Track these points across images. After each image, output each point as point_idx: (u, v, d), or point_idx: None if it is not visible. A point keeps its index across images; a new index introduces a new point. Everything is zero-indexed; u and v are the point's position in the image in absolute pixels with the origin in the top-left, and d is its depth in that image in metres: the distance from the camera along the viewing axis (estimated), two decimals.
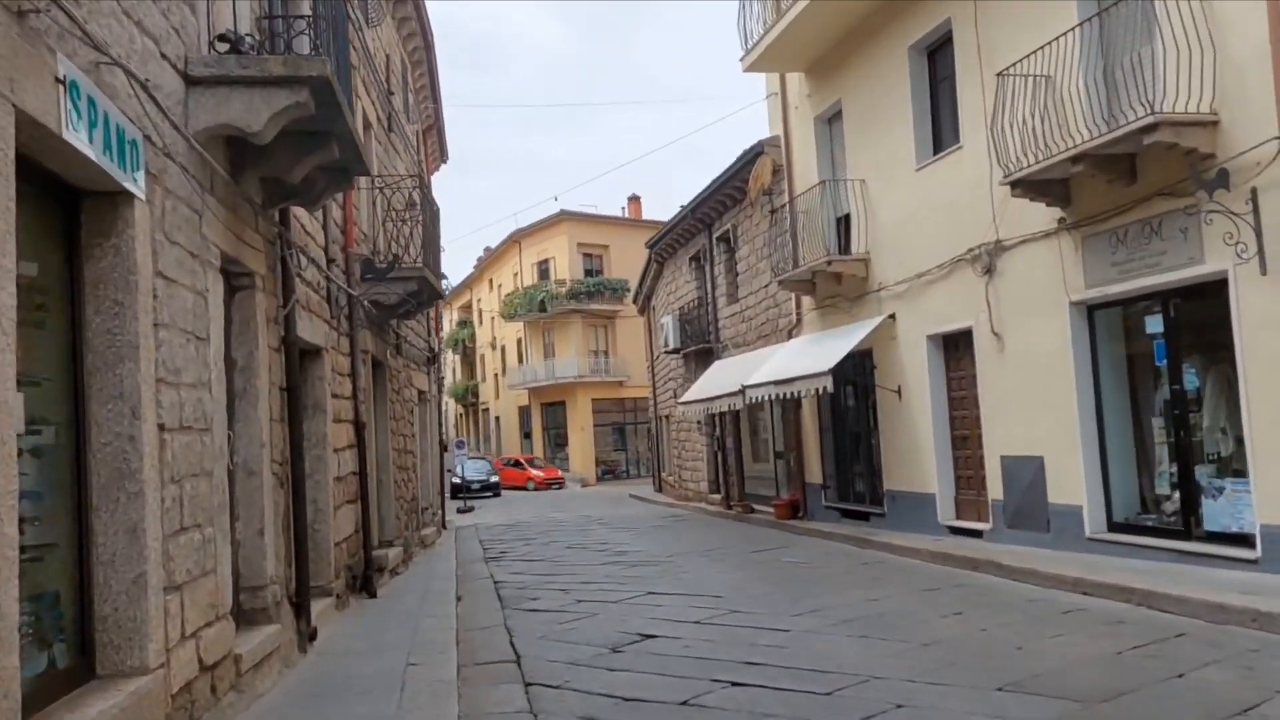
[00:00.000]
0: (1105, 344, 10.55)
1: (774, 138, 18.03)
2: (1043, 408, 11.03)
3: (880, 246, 14.48)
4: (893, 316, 14.09)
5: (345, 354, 10.46)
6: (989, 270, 11.85)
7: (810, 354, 15.49)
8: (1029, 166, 10.15)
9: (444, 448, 26.54)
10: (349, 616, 9.15)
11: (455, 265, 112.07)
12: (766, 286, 18.78)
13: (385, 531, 12.52)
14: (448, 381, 71.64)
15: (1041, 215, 10.82)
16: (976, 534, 12.30)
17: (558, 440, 50.90)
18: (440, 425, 20.61)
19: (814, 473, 17.09)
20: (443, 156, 24.09)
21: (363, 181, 12.05)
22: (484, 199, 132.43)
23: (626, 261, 48.58)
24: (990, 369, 12.00)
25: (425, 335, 17.24)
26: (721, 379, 19.62)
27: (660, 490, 32.11)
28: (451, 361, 71.38)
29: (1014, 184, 10.42)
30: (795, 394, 15.33)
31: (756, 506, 19.63)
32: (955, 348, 13.05)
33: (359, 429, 10.62)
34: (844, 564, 12.10)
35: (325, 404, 9.24)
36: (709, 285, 22.51)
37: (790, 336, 17.53)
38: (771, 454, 19.54)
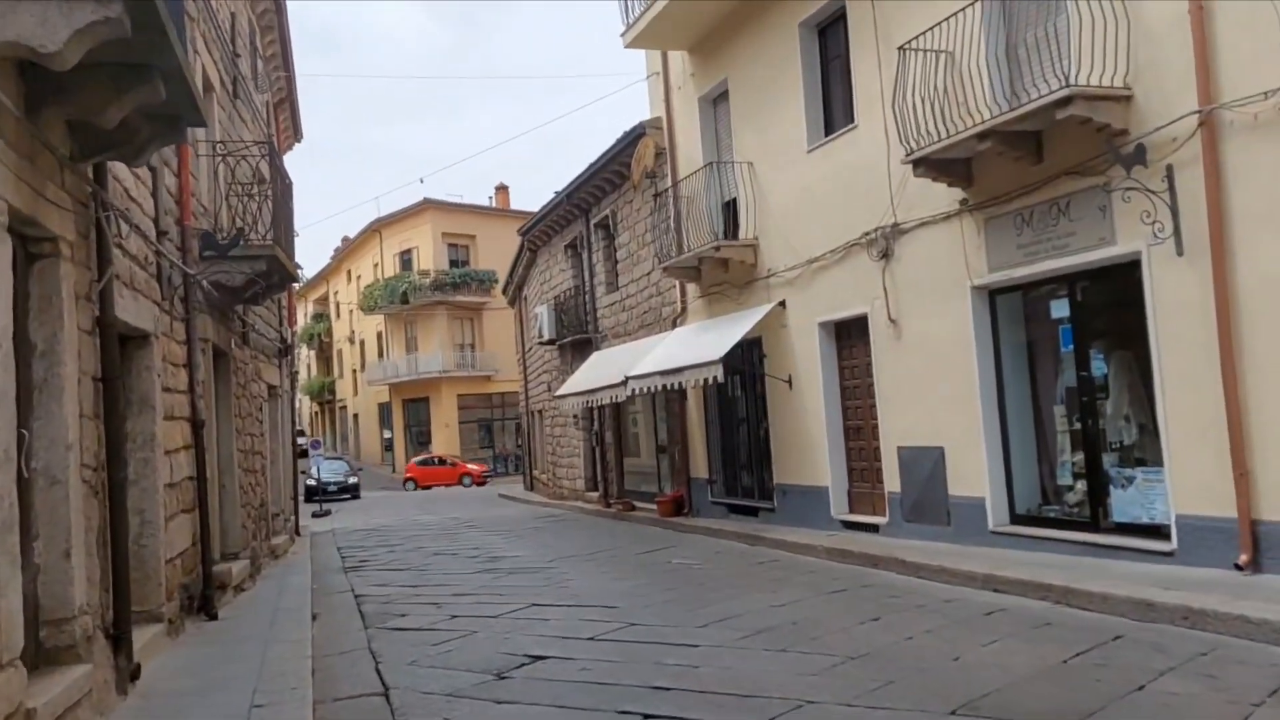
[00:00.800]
0: (1008, 330, 10.19)
1: (656, 119, 17.27)
2: (942, 397, 10.61)
3: (769, 232, 13.89)
4: (783, 304, 13.53)
5: (180, 341, 9.08)
6: (885, 254, 11.38)
7: (697, 343, 14.80)
8: (931, 145, 9.66)
9: (301, 452, 25.08)
10: (183, 645, 7.84)
11: (311, 257, 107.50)
12: (649, 274, 18.02)
13: (229, 543, 11.12)
14: (302, 378, 68.48)
15: (942, 197, 10.38)
16: (873, 528, 11.84)
17: (420, 438, 49.05)
18: (294, 423, 19.02)
19: (699, 467, 16.43)
20: (296, 134, 22.33)
21: (203, 148, 10.63)
22: (341, 190, 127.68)
23: (494, 252, 47.20)
24: (886, 357, 11.54)
25: (277, 324, 15.73)
26: (602, 370, 18.76)
27: (532, 489, 31.03)
28: (306, 357, 68.21)
29: (916, 163, 9.93)
30: (682, 384, 14.62)
31: (638, 504, 18.86)
32: (848, 335, 12.56)
33: (197, 427, 9.25)
34: (738, 564, 11.42)
35: (154, 398, 7.89)
36: (587, 273, 21.61)
37: (675, 325, 16.82)
38: (654, 449, 18.81)
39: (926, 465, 10.89)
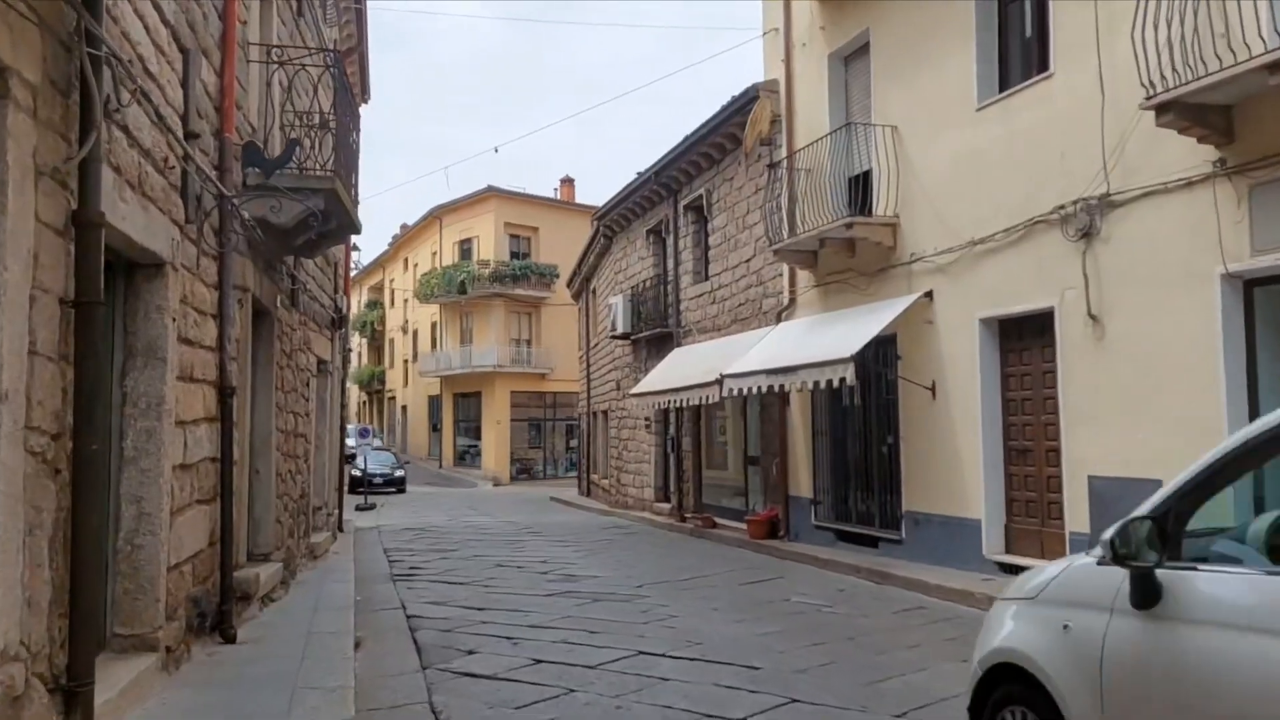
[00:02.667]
0: (1269, 332, 7.85)
1: (770, 82, 15.07)
2: (1164, 415, 8.29)
3: (915, 208, 11.66)
4: (929, 295, 11.27)
5: (210, 284, 7.10)
6: (1087, 233, 9.08)
7: (814, 340, 12.58)
8: (1188, 84, 7.39)
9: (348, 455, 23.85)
10: (182, 686, 5.79)
11: (367, 243, 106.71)
12: (749, 261, 15.85)
13: (259, 542, 9.13)
14: (353, 366, 67.32)
15: (1184, 157, 8.08)
16: None
17: (471, 433, 47.24)
18: (344, 405, 17.11)
19: (801, 485, 14.19)
20: (364, 93, 20.49)
21: (254, 52, 8.66)
22: (402, 185, 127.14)
23: (557, 246, 45.28)
24: (1080, 363, 9.23)
25: (331, 290, 13.82)
26: (686, 368, 16.62)
27: (588, 494, 28.97)
28: (358, 345, 67.05)
29: (1161, 108, 7.64)
30: (792, 387, 12.42)
31: (719, 521, 16.66)
32: (1018, 335, 10.27)
33: (224, 395, 7.25)
34: (878, 609, 9.18)
35: (165, 348, 5.88)
36: (671, 261, 19.48)
37: (779, 320, 14.62)
38: (742, 460, 16.59)
39: (1134, 502, 8.54)
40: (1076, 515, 9.22)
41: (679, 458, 18.91)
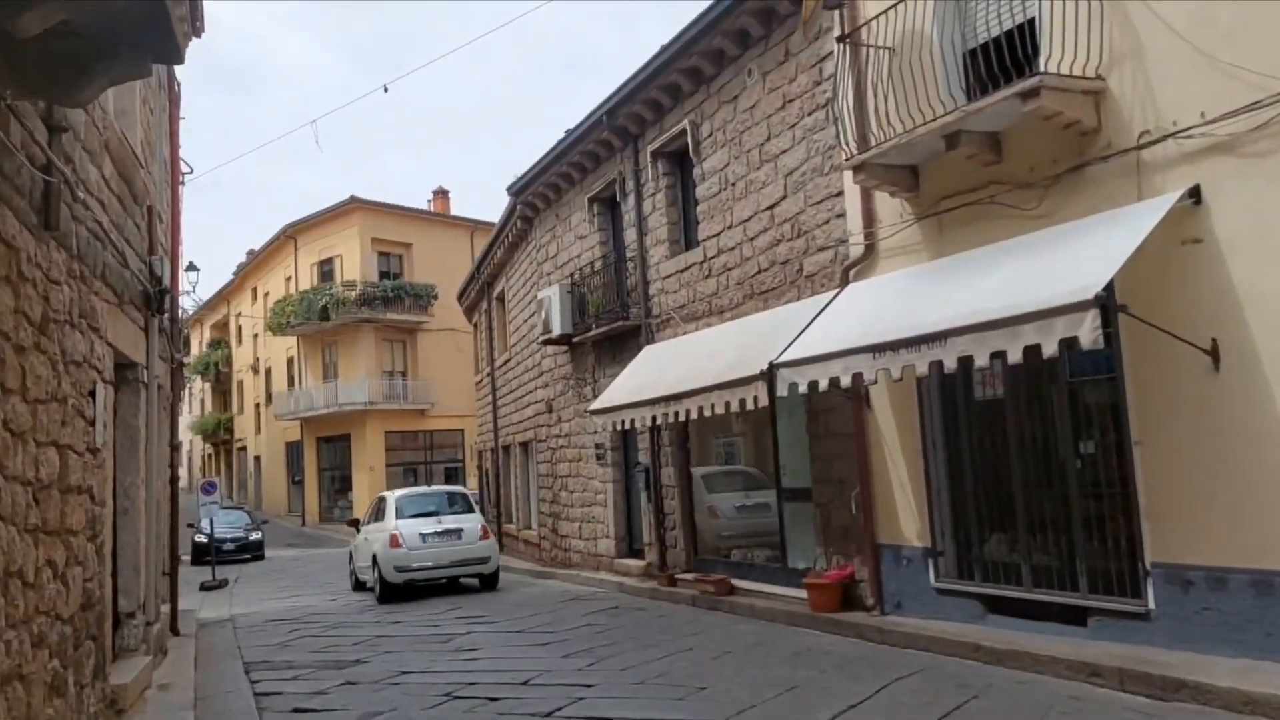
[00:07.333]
0: None
1: None
2: None
3: (1144, 59, 7.09)
4: (1194, 194, 6.70)
5: None
6: None
7: (951, 295, 7.85)
8: None
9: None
10: None
11: (208, 278, 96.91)
12: (775, 207, 11.07)
13: None
14: (194, 415, 59.04)
15: None
16: None
17: (339, 485, 40.66)
18: (174, 445, 11.24)
19: (902, 527, 9.33)
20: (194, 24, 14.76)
21: None
22: (245, 224, 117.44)
23: (433, 265, 39.76)
24: None
25: (144, 245, 8.19)
26: (683, 367, 11.64)
27: (501, 549, 23.36)
28: (200, 391, 58.96)
29: None
30: (956, 362, 7.62)
31: (739, 584, 11.65)
32: None
33: None
34: None
35: None
36: (633, 233, 14.49)
37: (848, 280, 9.85)
38: (775, 494, 11.60)
39: None
40: None
41: (658, 495, 13.82)
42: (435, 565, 15.47)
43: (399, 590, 15.34)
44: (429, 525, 15.70)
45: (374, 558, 15.63)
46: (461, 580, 16.30)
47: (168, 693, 8.06)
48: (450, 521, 15.92)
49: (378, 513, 17.01)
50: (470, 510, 16.70)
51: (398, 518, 15.85)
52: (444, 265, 38.53)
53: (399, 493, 17.54)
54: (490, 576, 16.10)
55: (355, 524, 18.46)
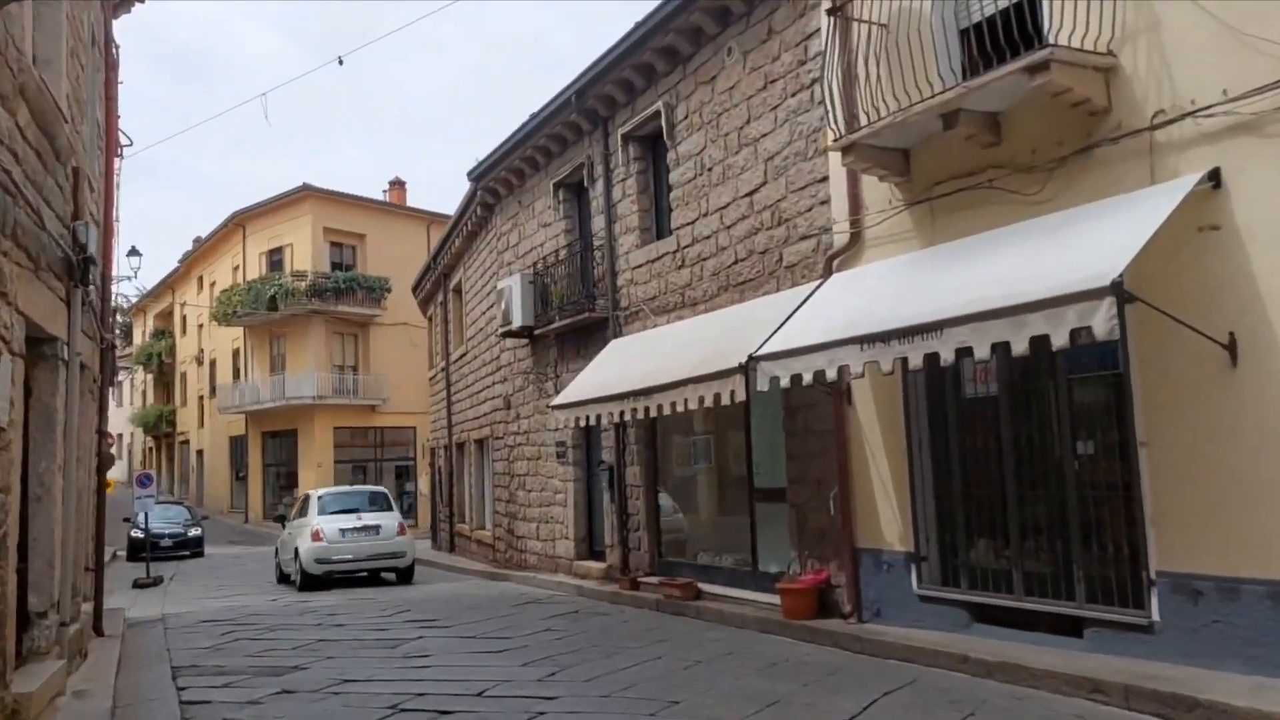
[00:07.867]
0: None
1: None
2: None
3: (1160, 33, 6.65)
4: (1213, 176, 6.26)
5: None
6: None
7: (945, 283, 7.37)
8: None
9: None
10: None
11: (151, 266, 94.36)
12: (754, 194, 10.53)
13: None
14: (135, 406, 57.18)
15: None
16: None
17: (284, 481, 39.46)
18: (102, 431, 10.38)
19: (884, 530, 8.82)
20: None
21: None
22: (204, 207, 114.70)
23: (387, 257, 38.80)
24: None
25: (66, 204, 7.41)
26: (653, 361, 11.07)
27: (452, 550, 22.68)
28: (142, 382, 57.20)
29: None
30: (953, 353, 7.12)
31: (706, 588, 11.10)
32: None
33: None
34: None
35: None
36: (601, 220, 13.88)
37: (831, 271, 9.33)
38: (746, 494, 11.03)
39: None
40: None
41: (622, 494, 13.22)
42: (354, 558, 16.75)
43: (319, 581, 16.46)
44: (349, 521, 16.99)
45: (296, 550, 16.84)
46: (382, 574, 17.51)
47: (83, 700, 7.29)
48: (370, 518, 17.24)
49: (303, 509, 18.22)
50: (389, 509, 18.13)
51: (320, 514, 17.15)
52: (399, 258, 37.55)
53: (322, 490, 19.46)
54: (405, 570, 17.36)
55: (282, 520, 19.76)
